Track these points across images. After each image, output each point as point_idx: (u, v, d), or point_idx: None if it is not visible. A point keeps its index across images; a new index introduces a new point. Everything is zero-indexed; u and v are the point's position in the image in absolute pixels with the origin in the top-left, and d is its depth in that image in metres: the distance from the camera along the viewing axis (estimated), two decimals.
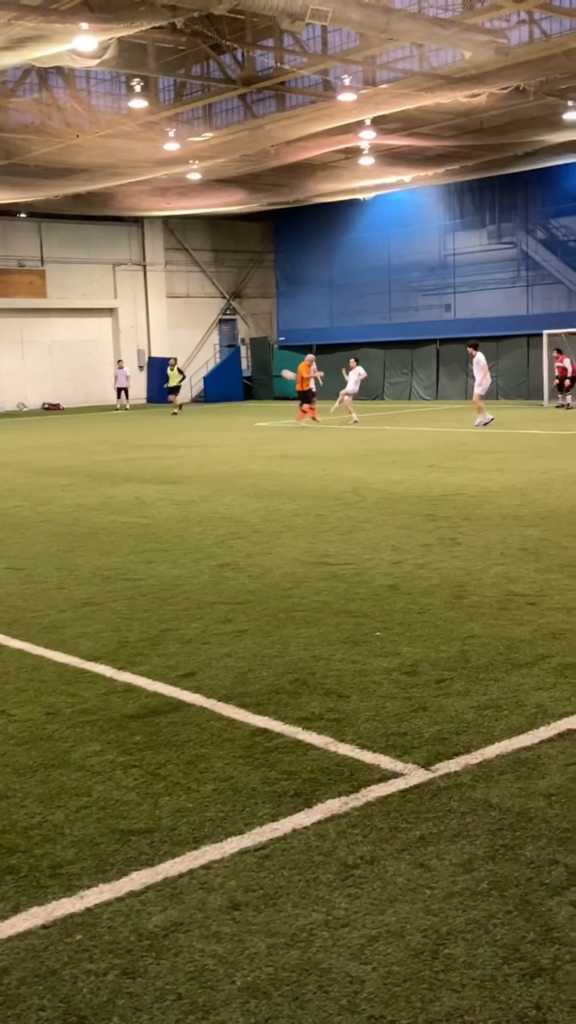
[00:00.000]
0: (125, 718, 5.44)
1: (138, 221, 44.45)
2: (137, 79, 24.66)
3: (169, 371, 37.61)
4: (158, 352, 45.20)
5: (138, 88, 24.63)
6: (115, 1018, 2.99)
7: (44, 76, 25.88)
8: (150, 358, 45.31)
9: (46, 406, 43.45)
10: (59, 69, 24.87)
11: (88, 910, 3.57)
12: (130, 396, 41.47)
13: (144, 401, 44.42)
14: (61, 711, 5.60)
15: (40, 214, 40.44)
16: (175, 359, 39.20)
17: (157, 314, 46.42)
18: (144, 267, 46.05)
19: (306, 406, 28.05)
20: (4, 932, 3.45)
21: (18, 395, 43.67)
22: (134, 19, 18.81)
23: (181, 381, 37.56)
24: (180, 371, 37.76)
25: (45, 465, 19.29)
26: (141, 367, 45.07)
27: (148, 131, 26.55)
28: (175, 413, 35.91)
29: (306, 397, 28.07)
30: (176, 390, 37.19)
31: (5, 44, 18.46)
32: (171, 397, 37.51)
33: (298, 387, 28.35)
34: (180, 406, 37.41)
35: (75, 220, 42.17)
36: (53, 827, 4.20)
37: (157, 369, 42.80)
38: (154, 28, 20.98)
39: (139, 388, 44.24)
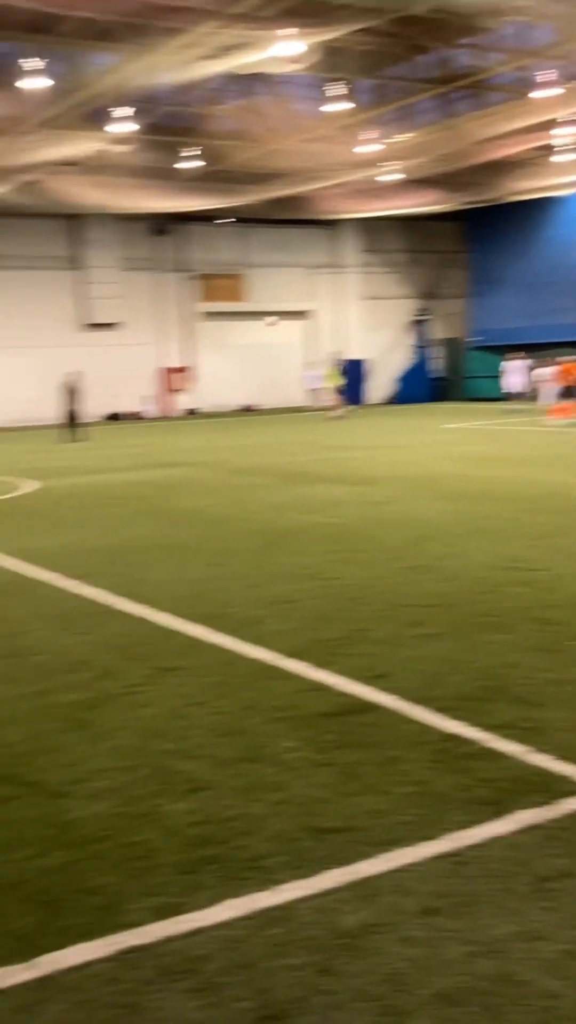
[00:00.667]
0: (318, 716, 5.52)
1: (333, 224, 44.83)
2: (336, 82, 24.87)
3: (329, 371, 37.03)
4: (354, 354, 45.44)
5: (336, 91, 24.83)
6: (311, 1014, 3.05)
7: (246, 82, 26.43)
8: (345, 360, 45.62)
9: (241, 408, 44.41)
10: (260, 75, 25.36)
11: (285, 905, 3.65)
12: (323, 399, 41.84)
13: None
14: (257, 705, 5.72)
15: (243, 219, 41.40)
16: (337, 357, 38.86)
17: (352, 316, 46.71)
18: (338, 270, 46.42)
19: (567, 403, 28.90)
20: (205, 921, 3.56)
21: (217, 397, 44.91)
22: (336, 23, 18.98)
23: (340, 383, 36.70)
24: (341, 373, 36.84)
25: (241, 465, 19.73)
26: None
27: (345, 133, 26.74)
28: (335, 417, 34.91)
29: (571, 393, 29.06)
30: (339, 391, 36.37)
31: (211, 53, 18.97)
32: (331, 398, 36.80)
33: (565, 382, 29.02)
34: (341, 409, 36.09)
35: (274, 224, 42.91)
36: (251, 820, 4.31)
37: (354, 371, 42.98)
38: (354, 32, 21.11)
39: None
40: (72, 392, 30.82)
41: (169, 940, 3.45)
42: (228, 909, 3.63)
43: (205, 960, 3.34)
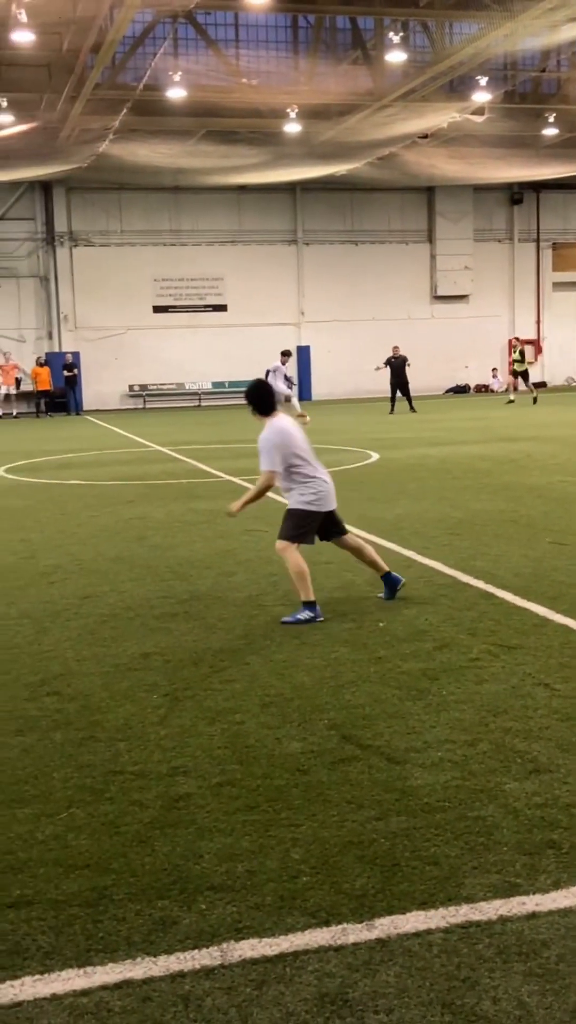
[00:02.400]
0: None
1: None
2: None
3: (516, 353, 34.06)
4: None
5: None
6: None
7: None
8: None
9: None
10: None
11: None
12: None
13: None
14: None
15: None
16: (520, 340, 36.18)
17: None
18: None
19: None
20: (545, 905, 3.47)
21: (566, 369, 43.76)
22: None
23: (524, 366, 33.77)
24: (522, 354, 33.87)
25: None
26: None
27: None
28: (512, 401, 33.14)
29: None
30: (522, 375, 33.71)
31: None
32: (514, 381, 34.30)
33: None
34: (528, 392, 33.72)
35: None
36: None
37: None
38: None
39: None
40: (399, 365, 31.01)
41: (507, 920, 3.39)
42: (570, 896, 3.51)
43: (544, 945, 3.24)
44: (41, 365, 38.85)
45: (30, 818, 4.22)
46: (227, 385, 40.70)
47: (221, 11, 30.57)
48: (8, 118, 28.57)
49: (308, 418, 23.36)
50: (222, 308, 42.86)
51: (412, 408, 30.55)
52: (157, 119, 30.05)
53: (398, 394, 31.05)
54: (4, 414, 38.65)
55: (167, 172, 36.68)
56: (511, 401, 33.55)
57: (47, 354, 40.37)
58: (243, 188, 41.18)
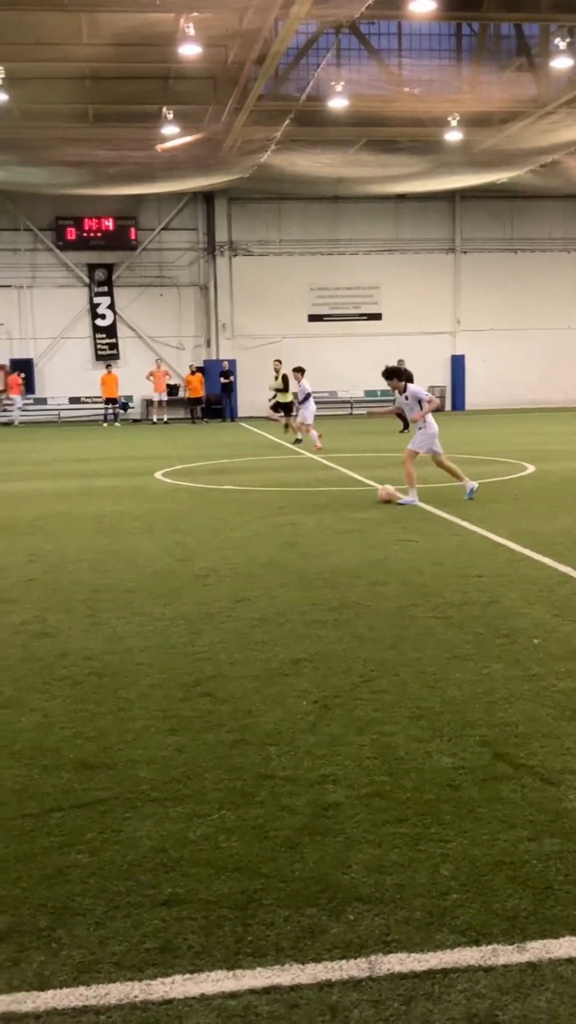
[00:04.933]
0: None
1: None
2: None
3: None
4: None
5: None
6: None
7: None
8: None
9: None
10: None
11: None
12: None
13: None
14: None
15: None
16: None
17: None
18: None
19: None
20: None
21: None
22: None
23: None
24: None
25: None
26: None
27: None
28: None
29: None
30: None
31: None
32: None
33: None
34: None
35: None
36: None
37: None
38: None
39: None
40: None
41: None
42: None
43: None
44: (193, 373, 39.62)
45: (182, 817, 4.29)
46: (379, 394, 40.64)
47: (384, 20, 30.64)
48: (174, 130, 29.28)
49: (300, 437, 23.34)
50: (376, 317, 42.88)
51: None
52: (318, 129, 30.29)
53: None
54: (157, 420, 39.56)
55: (326, 182, 36.93)
56: None
57: (205, 361, 41.16)
58: (402, 197, 41.12)
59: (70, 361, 41.33)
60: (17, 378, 39.97)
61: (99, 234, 40.80)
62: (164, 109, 28.33)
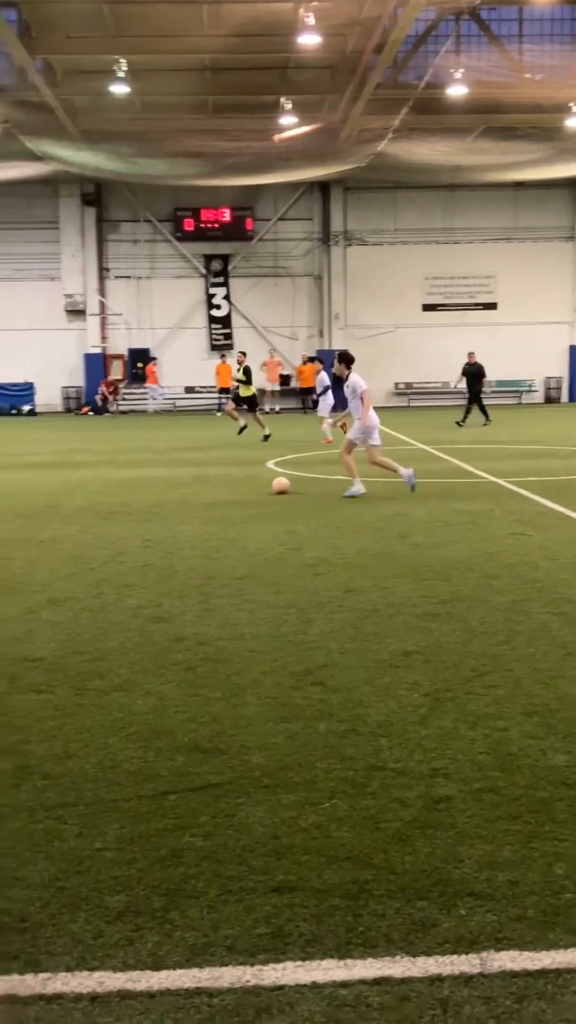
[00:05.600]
0: None
1: None
2: None
3: None
4: None
5: None
6: None
7: None
8: None
9: None
10: None
11: None
12: None
13: None
14: None
15: None
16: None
17: None
18: None
19: None
20: None
21: None
22: None
23: None
24: None
25: None
26: None
27: None
28: None
29: None
30: None
31: None
32: None
33: None
34: None
35: None
36: None
37: None
38: None
39: None
40: (475, 373, 28.83)
41: None
42: None
43: None
44: (305, 363, 39.61)
45: (294, 805, 4.32)
46: (494, 384, 40.06)
47: (505, 6, 30.14)
48: (292, 119, 29.32)
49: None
50: (492, 306, 42.30)
51: (487, 418, 28.31)
52: (436, 117, 29.96)
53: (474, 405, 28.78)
54: (269, 409, 39.72)
55: (443, 170, 36.53)
56: None
57: (318, 351, 41.18)
58: (520, 184, 40.43)
59: (185, 351, 41.80)
60: (154, 367, 40.40)
61: (216, 225, 41.13)
62: (282, 99, 28.40)
